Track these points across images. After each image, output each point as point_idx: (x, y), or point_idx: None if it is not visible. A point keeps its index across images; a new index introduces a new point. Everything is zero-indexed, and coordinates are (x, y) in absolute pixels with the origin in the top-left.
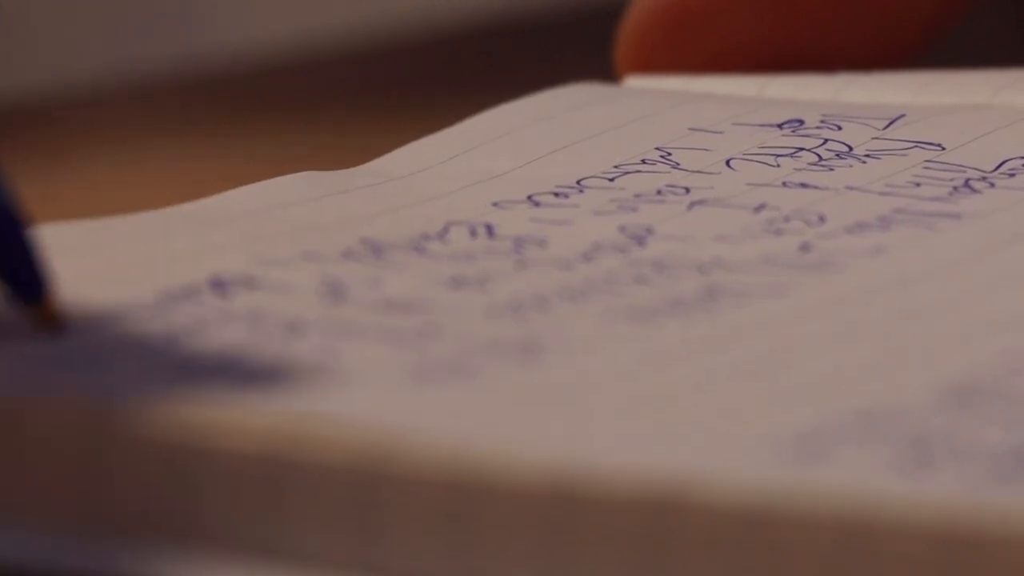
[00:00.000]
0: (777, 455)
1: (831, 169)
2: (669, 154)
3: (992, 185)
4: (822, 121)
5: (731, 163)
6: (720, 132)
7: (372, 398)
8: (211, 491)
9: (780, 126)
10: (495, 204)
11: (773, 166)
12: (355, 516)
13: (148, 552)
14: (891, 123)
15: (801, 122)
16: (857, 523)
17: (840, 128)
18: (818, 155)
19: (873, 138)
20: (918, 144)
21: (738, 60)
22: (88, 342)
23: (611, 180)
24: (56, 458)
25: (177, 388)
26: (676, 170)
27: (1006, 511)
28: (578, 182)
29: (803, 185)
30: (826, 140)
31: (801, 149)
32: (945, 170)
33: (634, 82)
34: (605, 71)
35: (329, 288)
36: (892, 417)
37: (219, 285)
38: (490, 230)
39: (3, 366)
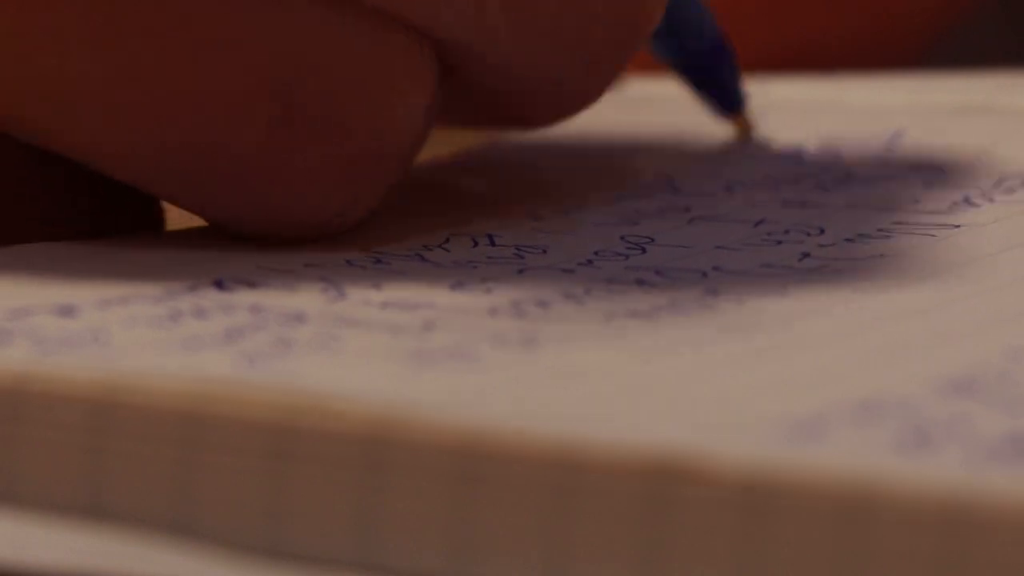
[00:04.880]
0: (777, 434)
1: (830, 191)
2: (671, 180)
3: (992, 200)
4: (821, 147)
5: (731, 189)
6: (723, 162)
7: (372, 376)
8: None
9: (780, 153)
10: (496, 215)
11: (773, 191)
12: (354, 492)
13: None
14: (890, 141)
15: (801, 149)
16: (854, 496)
17: (839, 155)
18: (818, 180)
19: (872, 163)
20: (917, 168)
21: (738, 60)
22: (93, 322)
23: (612, 205)
24: (58, 435)
25: (179, 364)
26: (677, 195)
27: (1004, 490)
28: (578, 206)
29: (803, 204)
30: (826, 167)
31: (801, 177)
32: (945, 189)
33: (634, 84)
34: None
35: (330, 287)
36: (892, 404)
37: (222, 285)
38: (491, 239)
39: (7, 343)
